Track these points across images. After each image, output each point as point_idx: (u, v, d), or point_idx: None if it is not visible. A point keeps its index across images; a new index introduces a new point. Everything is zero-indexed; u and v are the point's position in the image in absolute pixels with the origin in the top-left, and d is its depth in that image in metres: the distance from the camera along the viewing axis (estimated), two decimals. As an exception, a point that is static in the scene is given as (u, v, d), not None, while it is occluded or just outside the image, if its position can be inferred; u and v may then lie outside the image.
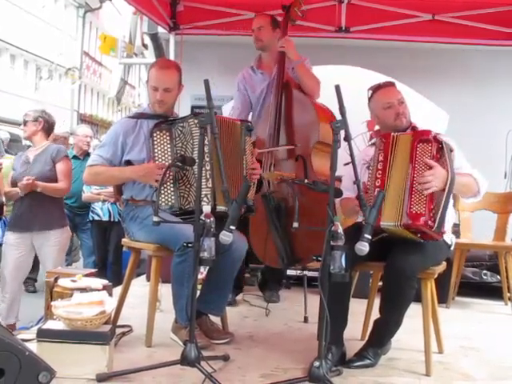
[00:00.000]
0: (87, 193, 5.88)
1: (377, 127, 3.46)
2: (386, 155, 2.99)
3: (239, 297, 4.42)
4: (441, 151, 2.91)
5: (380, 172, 2.98)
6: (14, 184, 4.68)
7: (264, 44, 4.27)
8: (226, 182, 2.73)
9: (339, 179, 3.40)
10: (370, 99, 3.33)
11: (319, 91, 4.08)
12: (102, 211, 5.92)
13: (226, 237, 2.54)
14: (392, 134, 3.04)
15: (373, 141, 3.36)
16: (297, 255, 3.86)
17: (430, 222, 2.83)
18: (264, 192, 3.98)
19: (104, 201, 5.88)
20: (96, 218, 5.95)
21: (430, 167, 2.85)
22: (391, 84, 3.32)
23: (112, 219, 5.92)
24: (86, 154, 6.04)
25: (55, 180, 4.62)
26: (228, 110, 4.96)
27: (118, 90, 24.08)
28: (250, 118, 4.37)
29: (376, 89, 3.31)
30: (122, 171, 3.32)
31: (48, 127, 4.79)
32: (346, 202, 3.12)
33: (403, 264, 2.87)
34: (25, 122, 4.72)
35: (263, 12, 4.58)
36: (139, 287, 4.18)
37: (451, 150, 2.95)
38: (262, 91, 4.30)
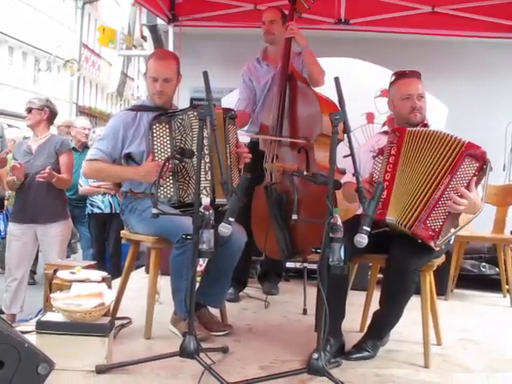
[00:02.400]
0: (85, 186, 5.87)
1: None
2: (399, 150, 2.94)
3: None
4: (481, 171, 2.82)
5: (391, 166, 2.93)
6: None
7: (275, 38, 4.25)
8: (225, 174, 2.73)
9: (342, 172, 3.39)
10: (391, 84, 3.26)
11: (324, 79, 4.08)
12: (103, 204, 5.91)
13: (224, 229, 2.54)
14: (408, 129, 2.99)
15: (385, 128, 3.33)
16: (297, 247, 3.87)
17: (436, 240, 2.81)
18: (266, 183, 3.98)
19: (104, 193, 5.87)
20: (96, 210, 5.93)
21: (468, 188, 2.78)
22: (416, 75, 3.21)
23: (113, 211, 5.90)
24: (85, 147, 6.03)
25: (58, 172, 4.58)
26: (228, 102, 4.95)
27: (119, 83, 24.03)
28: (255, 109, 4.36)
29: (400, 76, 3.22)
30: (124, 171, 3.33)
31: (52, 117, 4.77)
32: (349, 186, 3.09)
33: (406, 259, 2.87)
34: (29, 110, 4.64)
35: (274, 5, 4.55)
36: (138, 279, 4.18)
37: (491, 169, 2.84)
38: (267, 83, 4.29)
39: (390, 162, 2.95)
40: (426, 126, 3.13)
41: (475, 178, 2.81)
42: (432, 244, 2.82)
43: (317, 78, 4.07)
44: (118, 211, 5.73)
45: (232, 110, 3.45)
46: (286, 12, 4.28)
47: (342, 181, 3.24)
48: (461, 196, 2.77)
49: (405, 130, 3.00)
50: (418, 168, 2.89)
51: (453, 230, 2.87)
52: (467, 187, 2.79)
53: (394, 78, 3.26)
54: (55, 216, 4.62)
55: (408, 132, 2.97)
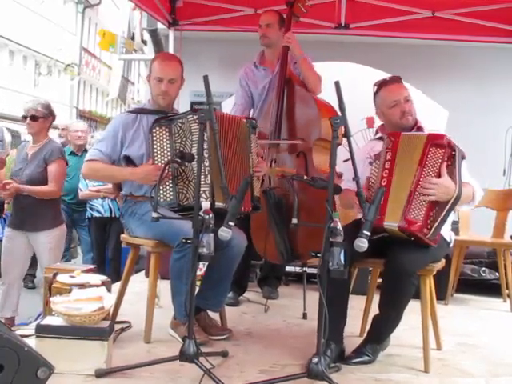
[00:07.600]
0: (84, 191, 5.86)
1: (379, 121, 3.40)
2: (394, 155, 2.95)
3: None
4: (452, 159, 2.86)
5: (387, 171, 2.94)
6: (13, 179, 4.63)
7: (270, 41, 4.28)
8: (225, 179, 2.72)
9: (340, 176, 3.39)
10: (375, 94, 3.26)
11: (321, 86, 4.08)
12: (102, 208, 5.91)
13: (224, 233, 2.54)
14: (402, 133, 3.00)
15: (379, 135, 3.33)
16: (297, 251, 3.86)
17: (425, 230, 2.82)
18: (265, 188, 3.97)
19: (104, 197, 5.87)
20: (96, 214, 5.93)
21: (439, 175, 2.82)
22: (398, 80, 3.23)
23: (113, 215, 5.90)
24: (84, 150, 6.02)
25: (46, 181, 4.48)
26: (228, 106, 4.95)
27: (121, 88, 23.99)
28: (251, 114, 4.36)
29: (382, 85, 3.23)
30: (121, 172, 3.31)
31: (52, 123, 4.67)
32: (346, 193, 3.09)
33: (404, 261, 2.86)
34: (34, 117, 4.45)
35: (271, 9, 4.56)
36: (138, 283, 4.18)
37: (463, 158, 2.90)
38: (265, 87, 4.30)
39: (385, 167, 2.96)
40: (420, 128, 3.14)
41: (445, 164, 2.84)
42: (422, 236, 2.81)
43: (313, 87, 4.07)
44: (117, 215, 5.73)
45: (253, 119, 3.44)
46: (285, 15, 4.29)
47: None
48: (431, 184, 2.81)
49: (400, 134, 3.01)
50: (407, 171, 2.91)
51: (441, 217, 2.85)
52: (438, 174, 2.83)
53: (376, 88, 3.27)
54: (45, 224, 4.53)
55: (403, 136, 2.98)
